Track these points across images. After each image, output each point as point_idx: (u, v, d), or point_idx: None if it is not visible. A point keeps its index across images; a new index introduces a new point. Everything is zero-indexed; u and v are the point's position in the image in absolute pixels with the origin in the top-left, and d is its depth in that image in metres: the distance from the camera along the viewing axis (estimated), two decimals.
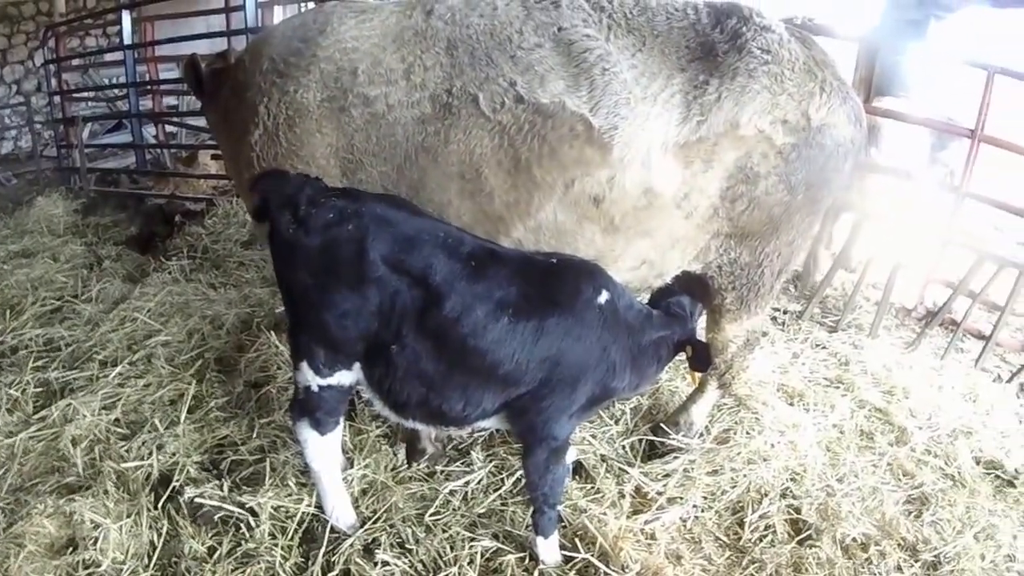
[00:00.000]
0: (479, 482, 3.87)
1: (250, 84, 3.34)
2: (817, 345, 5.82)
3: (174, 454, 3.89)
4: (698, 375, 3.99)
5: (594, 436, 4.30)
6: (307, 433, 3.30)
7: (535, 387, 3.10)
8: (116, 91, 10.86)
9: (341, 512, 3.50)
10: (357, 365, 3.17)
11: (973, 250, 5.79)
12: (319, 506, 3.62)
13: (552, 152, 3.22)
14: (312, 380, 3.19)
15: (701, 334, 4.10)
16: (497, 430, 4.12)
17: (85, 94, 11.36)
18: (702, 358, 3.42)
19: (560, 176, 3.26)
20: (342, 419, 3.45)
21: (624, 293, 3.34)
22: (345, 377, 3.21)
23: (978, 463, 4.64)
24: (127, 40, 9.12)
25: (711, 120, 3.28)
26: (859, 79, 6.96)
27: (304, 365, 3.18)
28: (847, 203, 6.40)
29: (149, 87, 9.78)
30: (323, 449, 3.36)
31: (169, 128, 10.27)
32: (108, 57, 10.90)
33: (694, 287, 3.82)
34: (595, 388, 3.22)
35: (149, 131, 10.29)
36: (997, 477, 4.57)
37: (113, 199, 8.24)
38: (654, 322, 3.38)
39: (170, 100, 10.56)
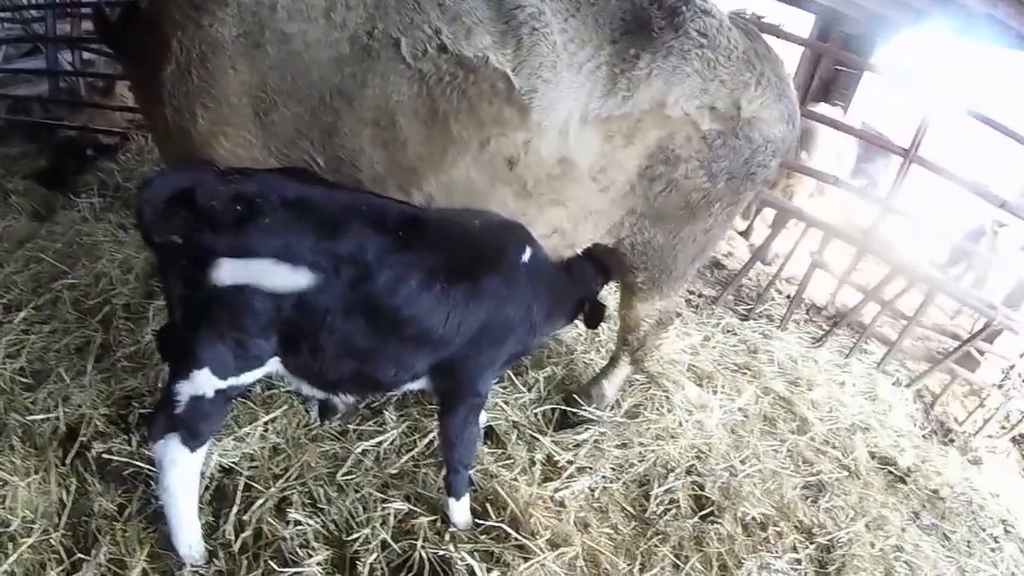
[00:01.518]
0: (392, 442, 3.85)
1: (164, 17, 3.11)
2: (728, 331, 6.01)
3: (80, 406, 3.72)
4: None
5: (507, 403, 4.33)
6: (176, 452, 2.85)
7: (464, 347, 3.09)
8: (33, 12, 10.18)
9: (195, 543, 3.09)
10: (273, 359, 2.91)
11: (888, 262, 6.04)
12: (230, 463, 3.56)
13: (471, 107, 3.13)
14: (208, 386, 2.78)
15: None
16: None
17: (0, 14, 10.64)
18: (595, 316, 3.55)
19: (476, 133, 3.18)
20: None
21: (541, 247, 3.39)
22: (254, 375, 2.90)
23: (873, 458, 4.91)
24: None
25: (637, 96, 3.24)
26: (798, 83, 7.13)
27: (201, 373, 2.76)
28: (772, 199, 6.59)
29: (68, 9, 9.21)
30: (190, 471, 2.94)
31: (87, 55, 9.69)
32: None
33: (609, 262, 3.87)
34: (517, 345, 3.28)
35: (65, 57, 9.69)
36: (890, 473, 4.85)
37: (23, 128, 7.77)
38: (563, 279, 3.49)
39: (90, 25, 9.87)
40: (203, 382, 2.77)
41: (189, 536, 3.05)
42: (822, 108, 7.70)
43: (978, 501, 4.90)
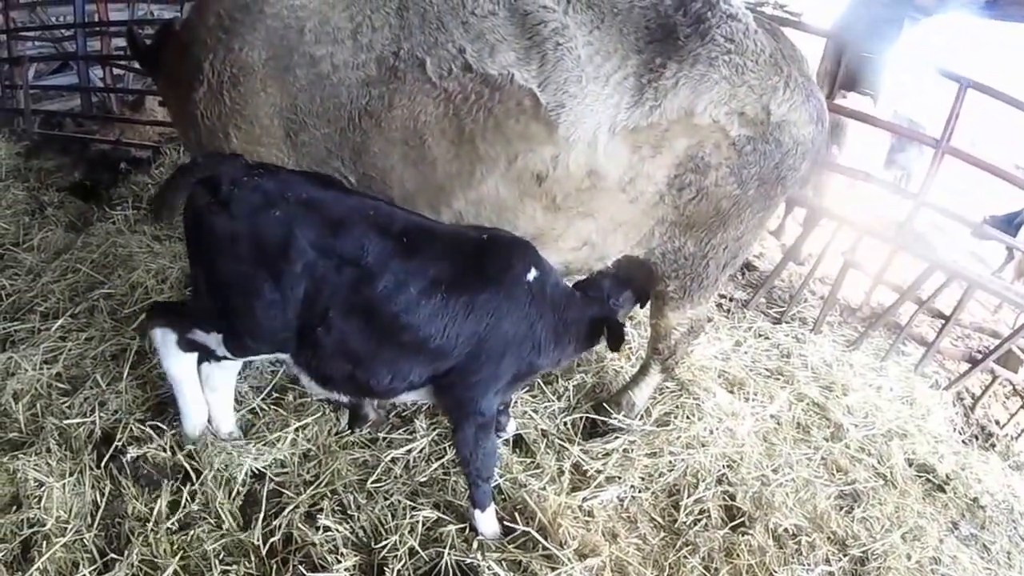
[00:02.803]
0: (421, 451, 3.86)
1: (196, 40, 3.21)
2: (760, 335, 5.91)
3: (116, 411, 3.80)
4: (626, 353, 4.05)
5: (536, 411, 4.31)
6: (165, 342, 3.28)
7: (463, 362, 3.13)
8: (63, 31, 10.42)
9: (195, 418, 3.55)
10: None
11: (925, 258, 5.86)
12: (261, 468, 3.60)
13: (497, 125, 3.15)
14: (217, 348, 3.14)
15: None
16: None
17: (32, 33, 10.91)
18: (614, 337, 3.46)
19: (504, 150, 3.20)
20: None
21: (551, 271, 3.37)
22: (256, 358, 3.23)
23: (910, 465, 4.79)
24: None
25: (665, 106, 3.22)
26: (824, 72, 6.97)
27: (216, 338, 3.11)
28: (803, 199, 6.48)
29: (98, 28, 9.41)
30: (182, 359, 3.35)
31: (116, 71, 9.90)
32: None
33: (637, 274, 3.82)
34: (520, 364, 3.27)
35: (96, 73, 9.92)
36: (928, 481, 4.72)
37: (57, 143, 7.93)
38: (575, 301, 3.44)
39: (119, 42, 10.13)
40: (215, 342, 3.15)
41: (196, 418, 3.55)
42: (851, 99, 7.54)
43: (1019, 509, 4.78)
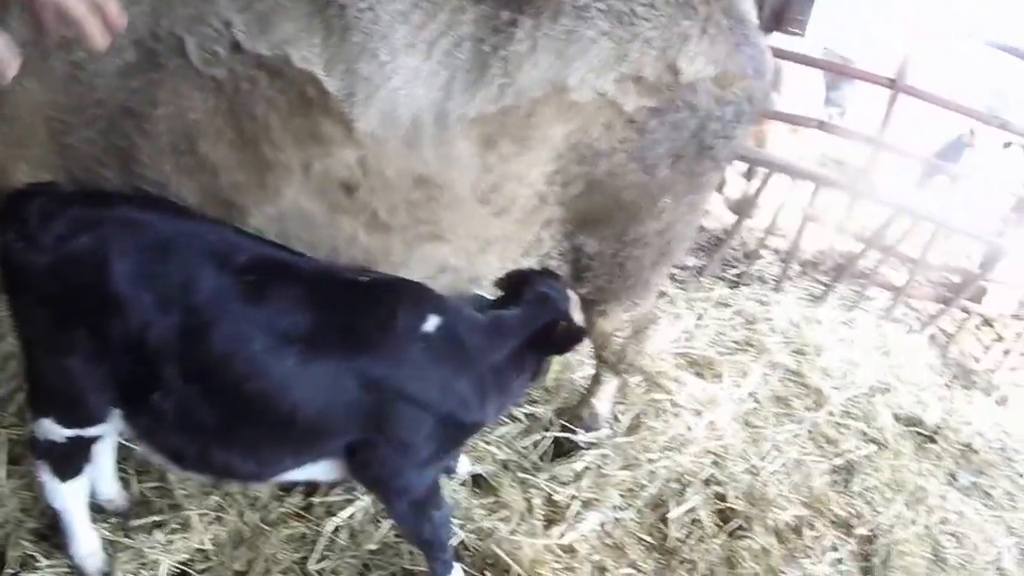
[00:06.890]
0: (365, 512, 3.25)
1: None
2: (721, 303, 5.53)
3: (3, 524, 3.02)
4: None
5: (488, 442, 3.70)
6: (47, 478, 2.70)
7: (360, 437, 2.44)
8: None
9: (88, 555, 2.93)
10: (116, 413, 2.45)
11: (888, 204, 5.65)
12: (180, 563, 3.00)
13: (282, 123, 2.40)
14: (56, 433, 2.50)
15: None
16: None
17: None
18: (564, 341, 2.69)
19: (295, 155, 2.45)
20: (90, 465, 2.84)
21: (461, 311, 2.60)
22: (96, 430, 2.53)
23: (898, 420, 4.62)
24: None
25: (521, 81, 2.42)
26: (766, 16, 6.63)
27: (46, 421, 2.49)
28: (743, 150, 6.10)
29: None
30: (66, 493, 2.77)
31: None
32: None
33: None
34: (443, 431, 2.54)
35: None
36: (918, 434, 4.58)
37: None
38: (506, 328, 2.64)
39: None
40: (49, 429, 2.53)
41: (84, 548, 2.90)
42: (776, 39, 7.23)
43: (1012, 446, 4.73)
